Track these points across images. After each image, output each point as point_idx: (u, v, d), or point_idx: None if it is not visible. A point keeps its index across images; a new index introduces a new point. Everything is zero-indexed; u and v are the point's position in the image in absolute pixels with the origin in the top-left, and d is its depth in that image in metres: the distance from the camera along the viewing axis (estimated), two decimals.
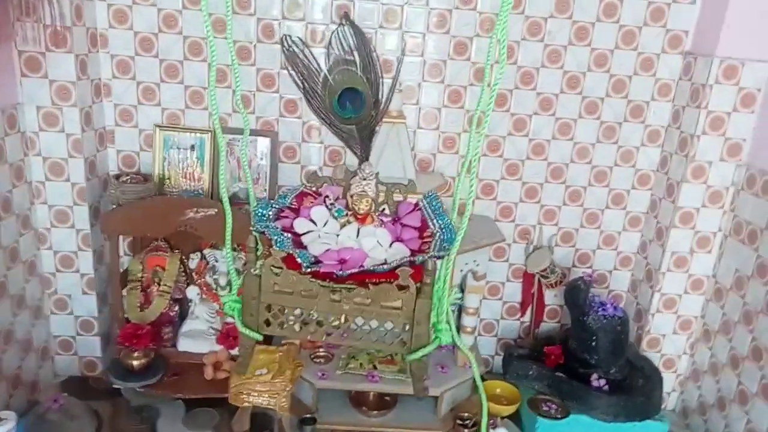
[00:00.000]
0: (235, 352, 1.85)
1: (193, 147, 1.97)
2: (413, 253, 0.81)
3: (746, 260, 1.80)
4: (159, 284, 1.90)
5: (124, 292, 1.89)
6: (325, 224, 0.87)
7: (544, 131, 2.02)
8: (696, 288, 2.00)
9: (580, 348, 1.89)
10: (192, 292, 1.92)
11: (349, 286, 0.72)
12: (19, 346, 1.80)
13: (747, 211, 1.82)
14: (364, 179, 0.88)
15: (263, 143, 1.98)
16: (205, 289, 1.93)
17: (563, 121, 2.01)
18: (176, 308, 1.97)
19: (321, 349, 1.95)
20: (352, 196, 0.88)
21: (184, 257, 1.96)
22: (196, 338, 1.91)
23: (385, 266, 0.75)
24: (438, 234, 0.86)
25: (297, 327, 0.75)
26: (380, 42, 1.90)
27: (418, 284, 0.72)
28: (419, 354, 0.72)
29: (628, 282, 2.19)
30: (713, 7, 1.81)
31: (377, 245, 0.82)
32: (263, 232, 0.83)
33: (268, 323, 0.76)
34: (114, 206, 1.84)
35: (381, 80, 0.82)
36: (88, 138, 1.85)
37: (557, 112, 2.00)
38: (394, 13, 1.88)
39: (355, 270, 0.72)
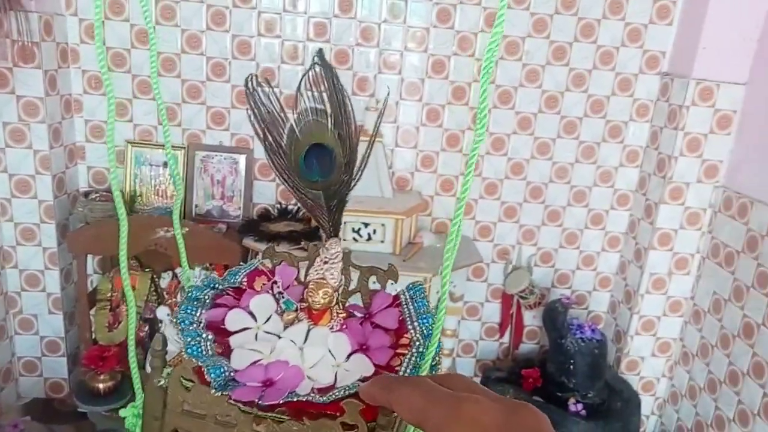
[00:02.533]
0: None
1: (165, 164, 1.93)
2: (377, 370, 0.59)
3: (723, 283, 1.79)
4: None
5: (93, 311, 1.85)
6: (267, 320, 0.63)
7: (522, 151, 2.01)
8: (674, 310, 1.98)
9: (558, 371, 1.87)
10: (162, 312, 1.85)
11: (279, 416, 0.53)
12: None
13: (724, 234, 1.81)
14: (326, 262, 0.64)
15: (238, 160, 1.95)
16: (176, 309, 1.88)
17: (542, 141, 2.00)
18: (146, 328, 1.92)
19: None
20: (307, 284, 0.64)
21: (155, 276, 1.92)
22: None
23: (326, 396, 0.53)
24: (416, 345, 0.62)
25: None
26: (357, 60, 1.89)
27: (372, 424, 0.52)
28: None
29: (608, 303, 2.17)
30: (689, 29, 1.81)
31: (327, 358, 0.60)
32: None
33: None
34: (82, 224, 1.79)
35: (356, 136, 0.63)
36: (57, 154, 1.81)
37: (536, 131, 1.99)
38: (371, 30, 1.87)
39: (280, 400, 0.53)
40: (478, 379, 2.22)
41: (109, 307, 1.86)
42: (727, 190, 1.81)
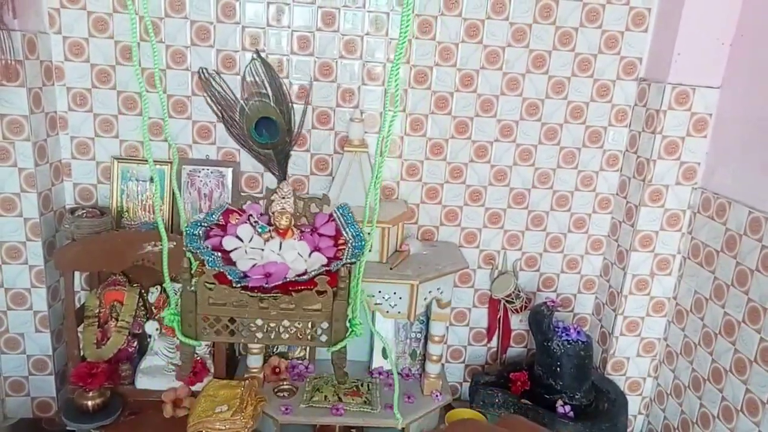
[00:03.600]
0: (195, 388, 1.81)
1: (152, 179, 1.94)
2: (329, 260, 0.93)
3: (704, 282, 1.83)
4: (117, 320, 1.86)
5: (81, 328, 1.84)
6: (250, 240, 0.96)
7: (505, 157, 2.04)
8: (658, 310, 2.02)
9: (545, 374, 1.89)
10: (151, 327, 1.88)
11: (275, 295, 0.83)
12: None
13: (703, 234, 1.85)
14: (283, 197, 0.97)
15: (225, 174, 1.96)
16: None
17: (524, 147, 2.04)
18: (135, 344, 1.92)
19: (285, 383, 1.92)
20: (273, 213, 0.97)
21: (143, 291, 1.92)
22: (155, 375, 1.85)
23: (305, 276, 0.86)
24: (350, 242, 0.98)
25: (231, 333, 0.86)
26: (341, 72, 1.91)
27: (334, 288, 0.85)
28: (338, 346, 0.86)
29: (592, 305, 2.21)
30: (664, 35, 1.87)
31: (298, 257, 0.93)
32: (196, 252, 0.93)
33: (204, 330, 0.88)
34: (69, 241, 1.79)
35: (292, 110, 0.93)
36: (42, 172, 1.81)
37: (518, 138, 2.03)
38: (354, 43, 1.90)
39: (280, 282, 0.84)
40: (466, 385, 2.24)
41: (97, 323, 1.85)
42: (705, 191, 1.86)
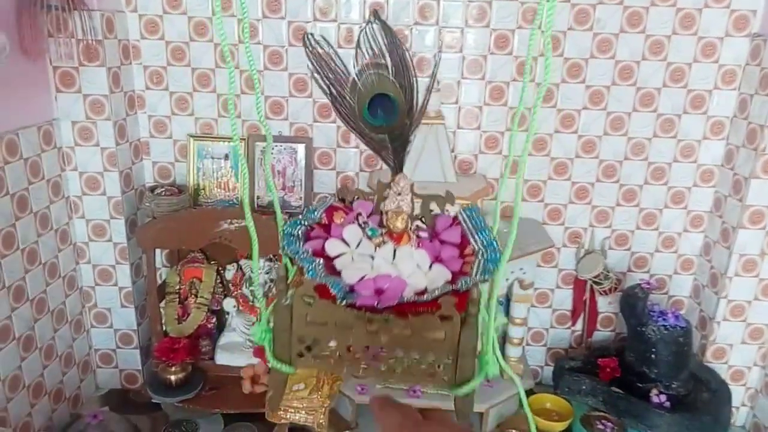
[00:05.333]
0: None
1: (227, 156, 1.93)
2: (454, 275, 0.71)
3: None
4: (196, 296, 1.88)
5: (163, 304, 1.88)
6: (358, 245, 0.76)
7: (594, 127, 1.88)
8: None
9: (639, 360, 1.75)
10: (229, 304, 1.89)
11: (386, 317, 0.64)
12: (60, 360, 1.81)
13: None
14: (399, 194, 0.76)
15: (297, 150, 1.93)
16: (241, 300, 1.89)
17: (616, 115, 1.87)
18: (214, 320, 1.94)
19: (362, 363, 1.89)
20: (386, 213, 0.76)
21: (220, 268, 1.93)
22: (234, 351, 1.87)
23: (426, 296, 0.65)
24: (481, 252, 0.74)
25: (332, 360, 0.67)
26: (416, 39, 1.82)
27: (463, 314, 0.63)
28: (465, 389, 0.63)
29: (690, 287, 2.02)
30: None
31: (416, 269, 0.72)
32: (294, 258, 0.75)
33: (300, 355, 0.67)
34: (149, 219, 1.82)
35: (416, 85, 0.74)
36: (123, 151, 1.84)
37: (609, 105, 1.86)
38: (429, 7, 1.79)
39: (394, 303, 0.65)
40: (548, 369, 2.13)
41: (177, 299, 1.89)
42: None
